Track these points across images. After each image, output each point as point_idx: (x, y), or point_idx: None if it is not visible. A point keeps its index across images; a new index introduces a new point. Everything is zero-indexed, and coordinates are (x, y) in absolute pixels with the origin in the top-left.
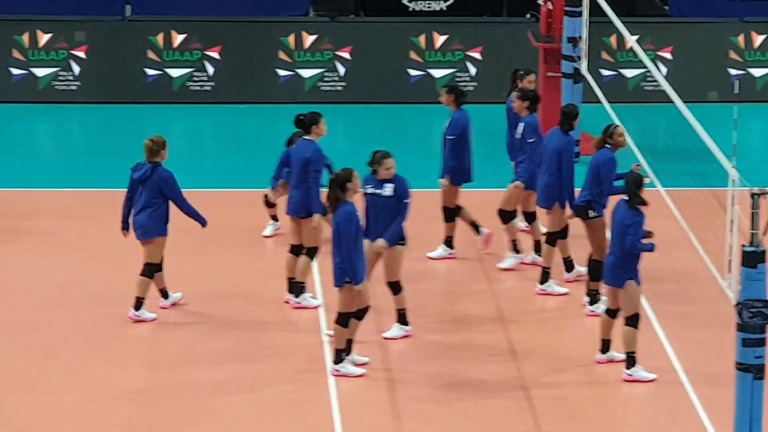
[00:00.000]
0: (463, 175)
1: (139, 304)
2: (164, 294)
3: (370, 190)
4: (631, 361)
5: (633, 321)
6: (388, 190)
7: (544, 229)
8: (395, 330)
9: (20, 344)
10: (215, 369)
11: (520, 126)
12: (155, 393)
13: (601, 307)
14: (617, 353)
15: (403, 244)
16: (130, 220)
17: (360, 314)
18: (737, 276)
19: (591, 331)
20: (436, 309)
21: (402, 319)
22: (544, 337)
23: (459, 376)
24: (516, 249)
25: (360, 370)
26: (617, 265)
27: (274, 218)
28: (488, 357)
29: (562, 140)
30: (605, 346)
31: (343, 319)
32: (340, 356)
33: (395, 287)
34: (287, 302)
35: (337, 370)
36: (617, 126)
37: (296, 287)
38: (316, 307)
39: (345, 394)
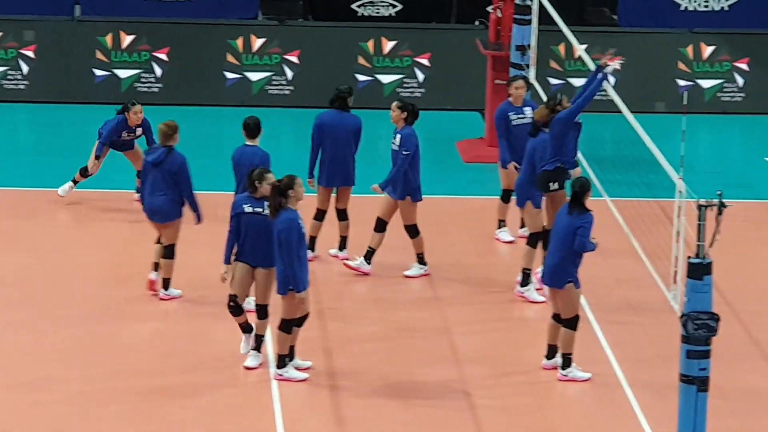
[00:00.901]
0: (320, 175)
1: (166, 283)
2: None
3: (248, 210)
4: (566, 362)
5: (572, 323)
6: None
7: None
8: (253, 359)
9: None
10: (158, 373)
11: (398, 137)
12: (96, 397)
13: (532, 292)
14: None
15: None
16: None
17: (300, 321)
18: (683, 287)
19: (536, 336)
20: (379, 316)
21: (259, 347)
22: (489, 343)
23: (402, 383)
24: (422, 261)
25: (303, 375)
26: (559, 266)
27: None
28: (432, 364)
29: (537, 140)
30: (551, 352)
31: (286, 326)
32: (283, 361)
33: (264, 311)
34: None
35: (280, 375)
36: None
37: None
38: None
39: (288, 399)
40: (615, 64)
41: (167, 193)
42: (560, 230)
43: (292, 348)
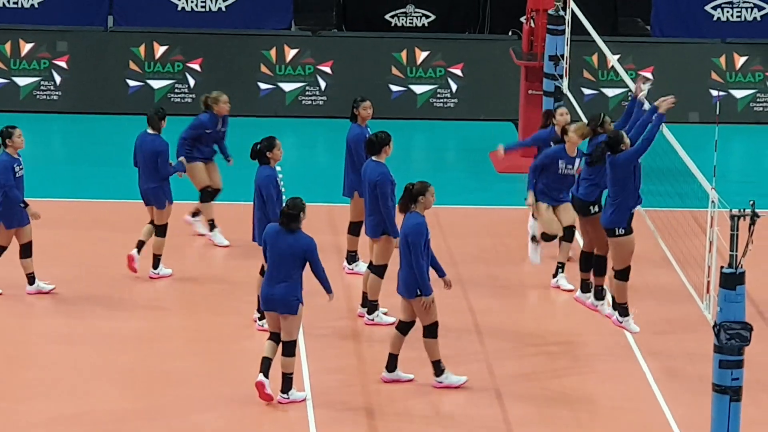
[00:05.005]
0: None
1: None
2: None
3: None
4: (623, 311)
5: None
6: None
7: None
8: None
9: None
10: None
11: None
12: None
13: (605, 308)
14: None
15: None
16: None
17: (408, 329)
18: (715, 297)
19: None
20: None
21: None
22: (519, 351)
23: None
24: (355, 258)
25: (462, 379)
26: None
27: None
28: (463, 363)
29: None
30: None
31: (430, 331)
32: (439, 368)
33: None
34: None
35: (440, 382)
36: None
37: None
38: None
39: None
40: (646, 86)
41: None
42: None
43: (394, 357)
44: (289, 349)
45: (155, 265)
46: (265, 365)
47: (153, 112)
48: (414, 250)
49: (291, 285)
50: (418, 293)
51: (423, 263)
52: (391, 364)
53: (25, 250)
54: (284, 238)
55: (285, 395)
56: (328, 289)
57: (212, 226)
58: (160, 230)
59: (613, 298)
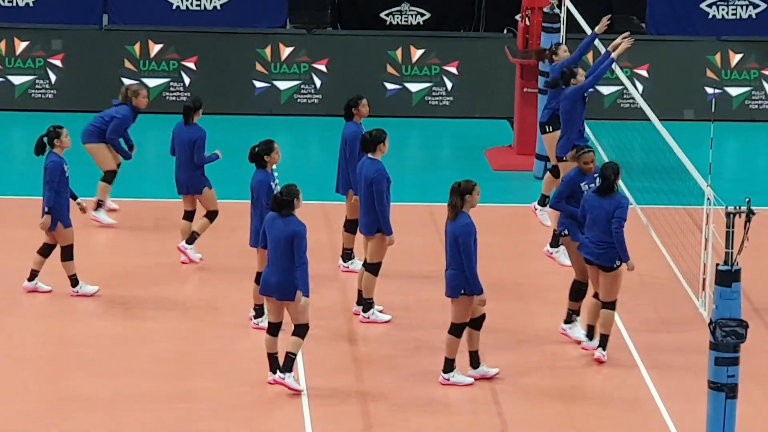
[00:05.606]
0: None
1: None
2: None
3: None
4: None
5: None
6: None
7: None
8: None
9: None
10: (187, 378)
11: None
12: (125, 404)
13: (578, 330)
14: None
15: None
16: None
17: (478, 323)
18: (711, 295)
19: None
20: (420, 319)
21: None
22: (515, 348)
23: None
24: (350, 256)
25: (469, 380)
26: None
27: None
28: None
29: None
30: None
31: (457, 330)
32: (451, 365)
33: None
34: None
35: (447, 379)
36: (588, 151)
37: None
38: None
39: (316, 413)
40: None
41: None
42: (601, 217)
43: (475, 353)
44: (300, 331)
45: (190, 241)
46: (273, 361)
47: (190, 102)
48: (465, 250)
49: (287, 271)
50: (462, 292)
51: (474, 263)
52: (474, 361)
53: (65, 252)
54: (277, 223)
55: (282, 375)
56: (304, 290)
57: (99, 205)
58: (211, 215)
59: (590, 326)
